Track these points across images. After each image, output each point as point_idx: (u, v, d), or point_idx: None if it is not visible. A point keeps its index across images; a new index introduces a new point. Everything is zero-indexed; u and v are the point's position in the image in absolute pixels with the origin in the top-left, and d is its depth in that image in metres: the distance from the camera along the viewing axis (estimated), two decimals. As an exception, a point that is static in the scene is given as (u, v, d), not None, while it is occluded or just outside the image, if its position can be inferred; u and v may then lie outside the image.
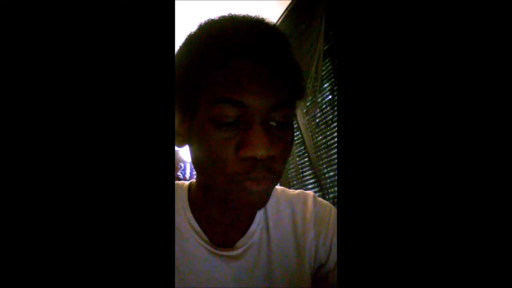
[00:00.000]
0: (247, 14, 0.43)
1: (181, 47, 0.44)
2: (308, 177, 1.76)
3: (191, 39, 0.44)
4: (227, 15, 0.43)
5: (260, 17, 0.44)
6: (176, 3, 0.39)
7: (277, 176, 0.43)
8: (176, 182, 0.55)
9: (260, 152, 0.38)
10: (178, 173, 2.54)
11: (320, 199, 0.59)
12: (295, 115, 0.46)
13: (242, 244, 0.51)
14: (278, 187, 0.60)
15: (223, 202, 0.46)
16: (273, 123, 0.41)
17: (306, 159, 1.75)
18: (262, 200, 0.42)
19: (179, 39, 0.43)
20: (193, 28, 0.44)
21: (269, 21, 0.44)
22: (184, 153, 2.43)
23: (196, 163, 0.45)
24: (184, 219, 0.51)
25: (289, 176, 1.91)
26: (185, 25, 0.44)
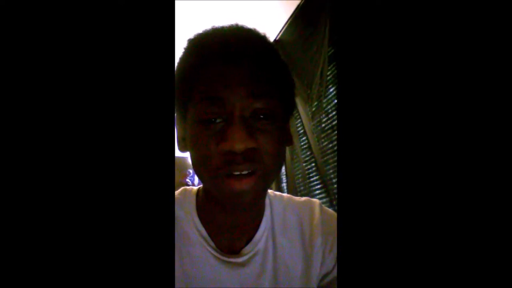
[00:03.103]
0: (229, 25, 0.48)
1: (177, 63, 0.48)
2: (315, 182, 1.75)
3: (182, 54, 0.48)
4: (210, 28, 0.48)
5: (240, 24, 0.48)
6: (176, 3, 0.39)
7: (264, 172, 0.43)
8: (185, 187, 0.57)
9: (237, 145, 0.40)
10: (187, 180, 2.55)
11: (326, 207, 0.59)
12: (282, 110, 0.47)
13: (248, 251, 0.51)
14: (284, 194, 0.60)
15: (223, 204, 0.47)
16: (258, 117, 0.43)
17: (313, 164, 1.74)
18: (247, 199, 0.43)
19: (179, 39, 0.45)
20: (192, 29, 0.48)
21: (248, 27, 0.48)
22: (192, 160, 2.42)
23: (192, 165, 0.47)
24: (192, 224, 0.51)
25: (296, 181, 1.90)
26: (185, 25, 0.45)
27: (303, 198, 0.60)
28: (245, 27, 0.47)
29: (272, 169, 0.45)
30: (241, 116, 0.42)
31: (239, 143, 0.40)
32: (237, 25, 0.47)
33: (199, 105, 0.43)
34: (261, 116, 0.43)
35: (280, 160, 0.46)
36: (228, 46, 0.43)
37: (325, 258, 0.54)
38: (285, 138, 0.49)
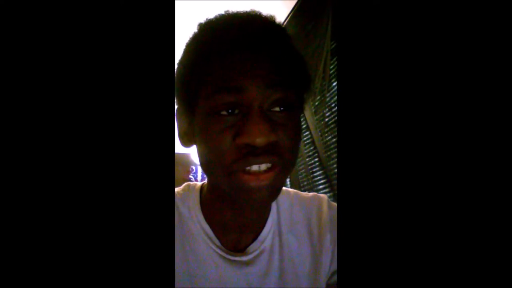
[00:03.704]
0: (243, 10, 0.44)
1: (183, 50, 0.45)
2: (319, 177, 1.75)
3: (190, 40, 0.45)
4: (223, 13, 0.44)
5: (256, 11, 0.44)
6: (176, 3, 0.39)
7: (283, 166, 0.41)
8: (188, 183, 0.55)
9: (259, 139, 0.38)
10: (190, 176, 2.56)
11: (334, 203, 0.57)
12: (299, 103, 0.45)
13: (254, 249, 0.50)
14: (291, 190, 0.58)
15: (231, 201, 0.46)
16: (276, 110, 0.41)
17: (316, 159, 1.74)
18: (264, 197, 0.41)
19: (179, 39, 0.43)
20: (192, 29, 0.45)
21: (265, 14, 0.45)
22: (195, 156, 2.45)
23: (200, 160, 0.45)
24: (196, 222, 0.50)
25: (299, 176, 1.89)
26: (185, 25, 0.44)
27: (310, 194, 0.58)
28: (261, 13, 0.45)
29: (290, 163, 0.43)
30: (260, 108, 0.39)
31: (260, 136, 0.37)
32: (252, 10, 0.44)
33: (214, 95, 0.39)
34: (280, 109, 0.41)
35: (297, 153, 0.45)
36: (247, 32, 0.40)
37: (334, 256, 0.53)
38: (300, 130, 0.46)
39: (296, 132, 0.43)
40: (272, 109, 0.40)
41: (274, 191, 0.42)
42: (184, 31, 0.45)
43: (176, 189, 0.54)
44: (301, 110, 0.48)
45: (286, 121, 0.41)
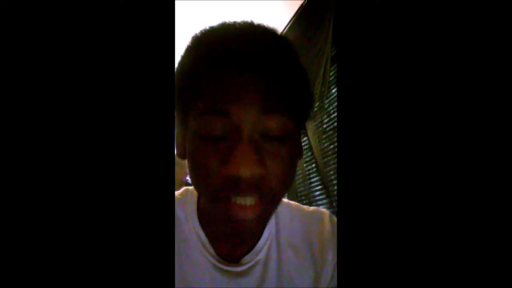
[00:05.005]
0: (240, 21, 0.41)
1: (178, 62, 0.43)
2: (316, 183, 1.75)
3: (185, 53, 0.42)
4: (219, 24, 0.41)
5: (256, 22, 0.41)
6: (176, 3, 0.38)
7: (271, 199, 0.39)
8: (187, 187, 0.54)
9: (244, 171, 0.35)
10: (187, 178, 2.55)
11: (335, 217, 0.56)
12: (298, 125, 0.41)
13: (248, 260, 0.49)
14: (292, 202, 0.57)
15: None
16: (270, 137, 0.37)
17: (314, 165, 1.74)
18: (249, 229, 0.39)
19: (179, 40, 0.42)
20: (192, 29, 0.43)
21: (266, 26, 0.41)
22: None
23: (190, 178, 0.43)
24: (192, 228, 0.49)
25: (297, 182, 1.89)
26: (185, 25, 0.43)
27: (312, 208, 0.57)
28: (261, 25, 0.41)
29: (280, 193, 0.40)
30: (250, 136, 0.36)
31: (245, 168, 0.34)
32: (252, 22, 0.40)
33: (201, 117, 0.37)
34: (272, 136, 0.37)
35: (289, 182, 0.41)
36: (240, 48, 0.37)
37: (335, 271, 0.52)
38: (296, 154, 0.42)
39: (290, 160, 0.39)
40: (263, 137, 0.37)
41: (261, 222, 0.41)
42: (184, 31, 0.44)
43: (175, 193, 0.54)
44: (300, 129, 0.44)
45: (280, 151, 0.38)
